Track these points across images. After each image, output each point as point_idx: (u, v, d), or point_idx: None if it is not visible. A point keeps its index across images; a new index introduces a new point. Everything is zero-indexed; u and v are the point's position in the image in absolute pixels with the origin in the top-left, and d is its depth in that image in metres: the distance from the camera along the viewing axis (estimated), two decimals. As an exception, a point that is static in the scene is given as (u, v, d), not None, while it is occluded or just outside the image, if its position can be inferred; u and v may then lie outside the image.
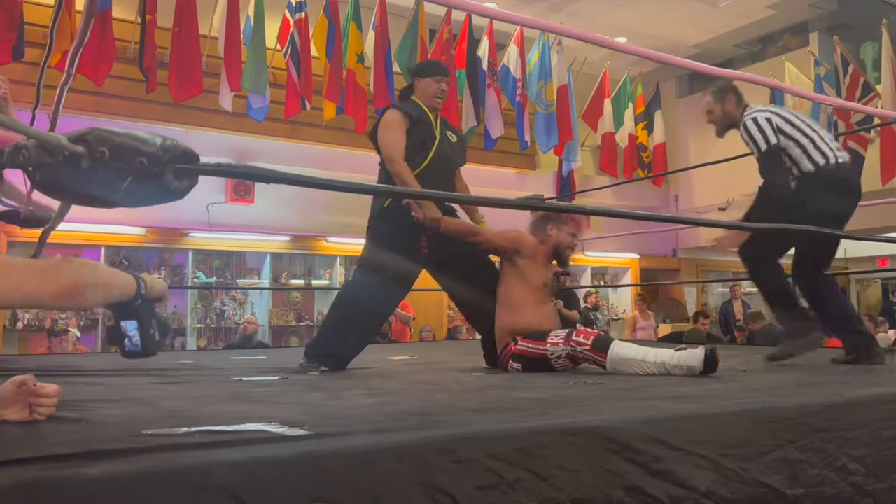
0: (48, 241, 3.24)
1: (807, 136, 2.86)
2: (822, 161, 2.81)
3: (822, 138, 2.88)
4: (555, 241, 2.94)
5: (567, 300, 6.05)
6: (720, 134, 3.14)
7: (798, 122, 2.91)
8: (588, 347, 2.60)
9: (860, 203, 2.93)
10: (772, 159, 2.83)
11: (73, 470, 0.79)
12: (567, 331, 2.76)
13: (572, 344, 2.64)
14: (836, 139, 8.12)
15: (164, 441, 1.08)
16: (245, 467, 0.84)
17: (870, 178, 7.62)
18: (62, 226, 2.83)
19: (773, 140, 2.81)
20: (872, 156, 7.71)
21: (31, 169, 1.38)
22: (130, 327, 1.28)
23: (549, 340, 2.70)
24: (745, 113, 2.95)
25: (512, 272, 2.90)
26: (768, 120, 2.86)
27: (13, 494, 0.75)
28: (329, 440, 1.00)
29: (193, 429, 1.19)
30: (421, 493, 0.94)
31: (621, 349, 2.55)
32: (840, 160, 2.84)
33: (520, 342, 2.76)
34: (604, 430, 1.17)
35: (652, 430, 1.22)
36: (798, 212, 2.51)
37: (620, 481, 1.14)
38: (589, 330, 2.79)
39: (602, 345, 2.59)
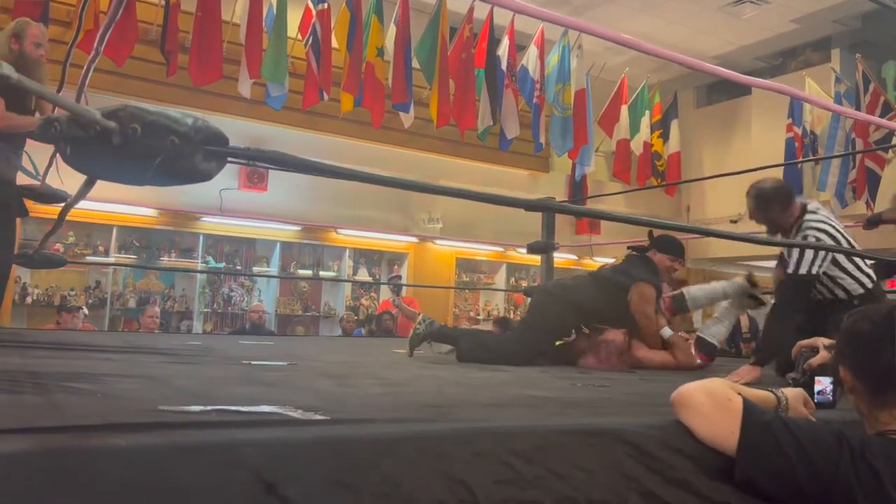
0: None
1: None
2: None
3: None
4: None
5: None
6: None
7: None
8: None
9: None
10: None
11: (100, 440, 0.80)
12: None
13: None
14: (854, 158, 7.80)
15: (182, 418, 1.08)
16: (271, 448, 0.85)
17: (887, 196, 7.60)
18: (74, 205, 2.84)
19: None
20: (890, 175, 7.68)
21: (61, 143, 1.39)
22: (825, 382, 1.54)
23: None
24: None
25: None
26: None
27: (39, 460, 0.75)
28: (352, 426, 1.00)
29: (209, 407, 1.19)
30: (440, 483, 0.94)
31: None
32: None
33: None
34: (622, 434, 1.16)
35: (670, 438, 1.21)
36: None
37: (636, 486, 1.13)
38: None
39: None
